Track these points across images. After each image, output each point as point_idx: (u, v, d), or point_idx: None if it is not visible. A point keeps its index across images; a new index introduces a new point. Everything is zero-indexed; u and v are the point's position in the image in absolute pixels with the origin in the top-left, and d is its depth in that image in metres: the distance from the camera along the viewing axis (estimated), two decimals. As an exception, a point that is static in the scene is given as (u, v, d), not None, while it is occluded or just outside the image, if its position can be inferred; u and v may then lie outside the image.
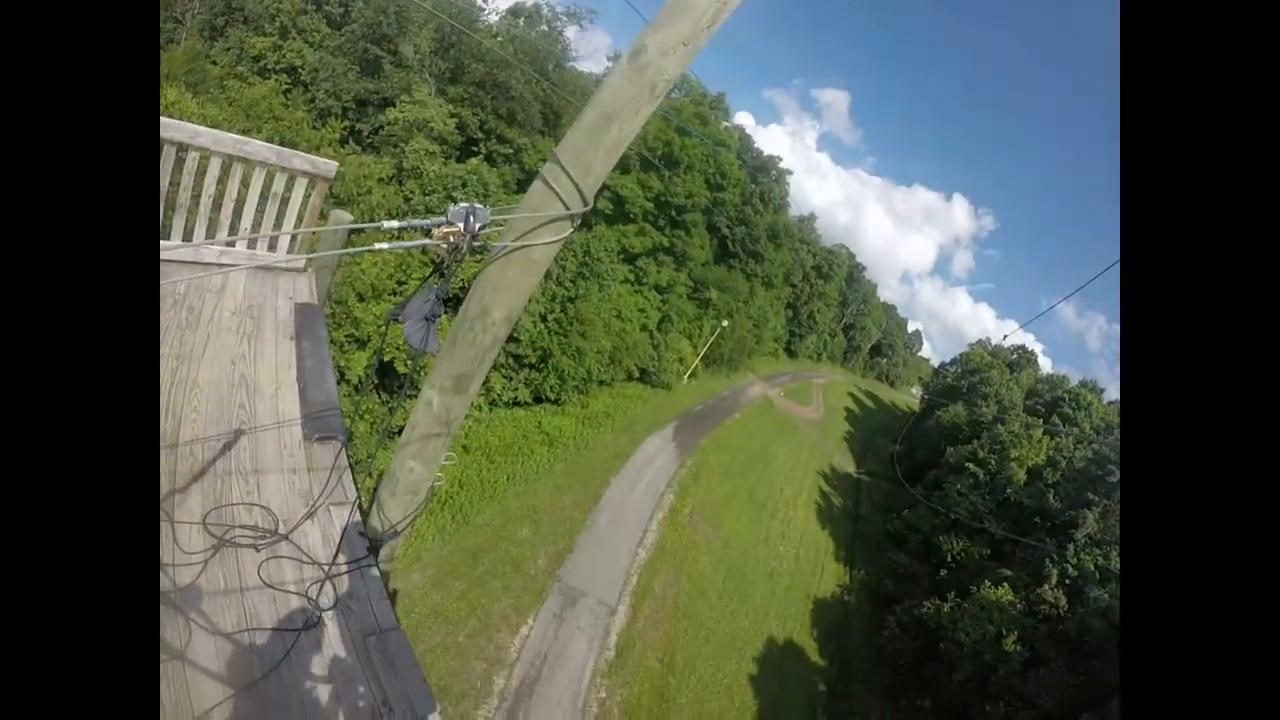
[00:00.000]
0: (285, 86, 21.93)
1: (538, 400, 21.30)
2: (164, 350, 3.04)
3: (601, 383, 22.17)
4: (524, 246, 1.91)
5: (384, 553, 2.41)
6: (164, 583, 1.88)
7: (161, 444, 2.43)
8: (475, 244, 1.81)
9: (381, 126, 21.44)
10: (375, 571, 2.31)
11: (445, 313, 2.05)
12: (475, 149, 22.98)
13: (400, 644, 2.13)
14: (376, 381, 15.37)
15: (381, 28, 22.24)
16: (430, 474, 2.31)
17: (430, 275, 2.18)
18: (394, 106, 20.59)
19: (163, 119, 3.07)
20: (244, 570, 2.18)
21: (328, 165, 3.87)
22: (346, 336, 15.51)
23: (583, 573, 16.42)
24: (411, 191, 18.28)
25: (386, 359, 15.27)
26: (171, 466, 2.45)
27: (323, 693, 1.94)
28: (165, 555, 2.04)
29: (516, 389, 19.91)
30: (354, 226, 3.49)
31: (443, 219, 1.83)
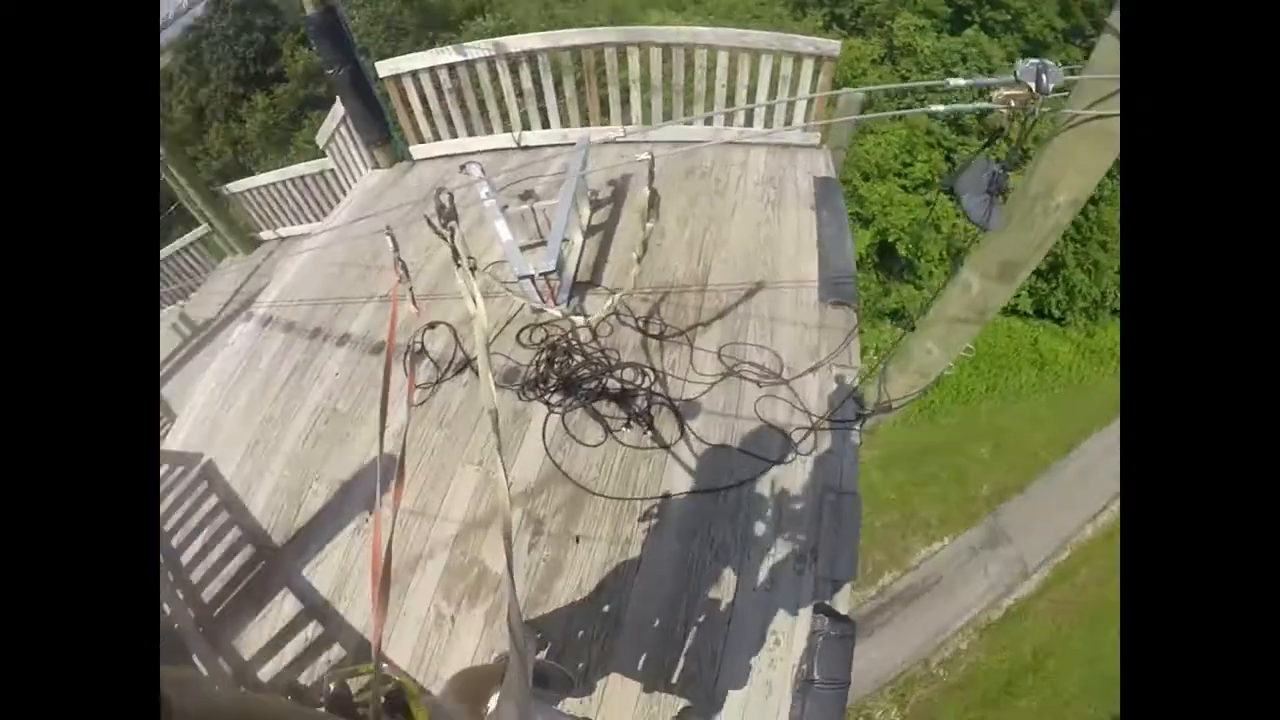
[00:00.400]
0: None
1: (1039, 314, 18.57)
2: (695, 211, 3.70)
3: (1115, 312, 17.85)
4: (1101, 116, 1.56)
5: (868, 423, 2.49)
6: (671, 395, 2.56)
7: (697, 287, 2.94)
8: (1043, 110, 1.54)
9: (861, 8, 19.75)
10: (855, 438, 2.45)
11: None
12: (968, 18, 19.52)
13: (851, 510, 2.31)
14: (876, 261, 15.34)
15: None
16: (946, 360, 2.33)
17: (987, 144, 1.95)
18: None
19: (665, 28, 3.62)
20: (743, 401, 2.58)
21: (830, 45, 4.07)
22: (852, 214, 15.78)
23: (1019, 520, 14.56)
24: (908, 70, 16.78)
25: (891, 240, 15.00)
26: (699, 304, 3.05)
27: (767, 521, 2.29)
28: (681, 372, 2.65)
29: (1018, 296, 17.61)
30: (895, 87, 3.44)
31: (1007, 78, 1.60)
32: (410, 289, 3.15)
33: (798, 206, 3.69)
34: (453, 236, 1.86)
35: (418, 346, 3.05)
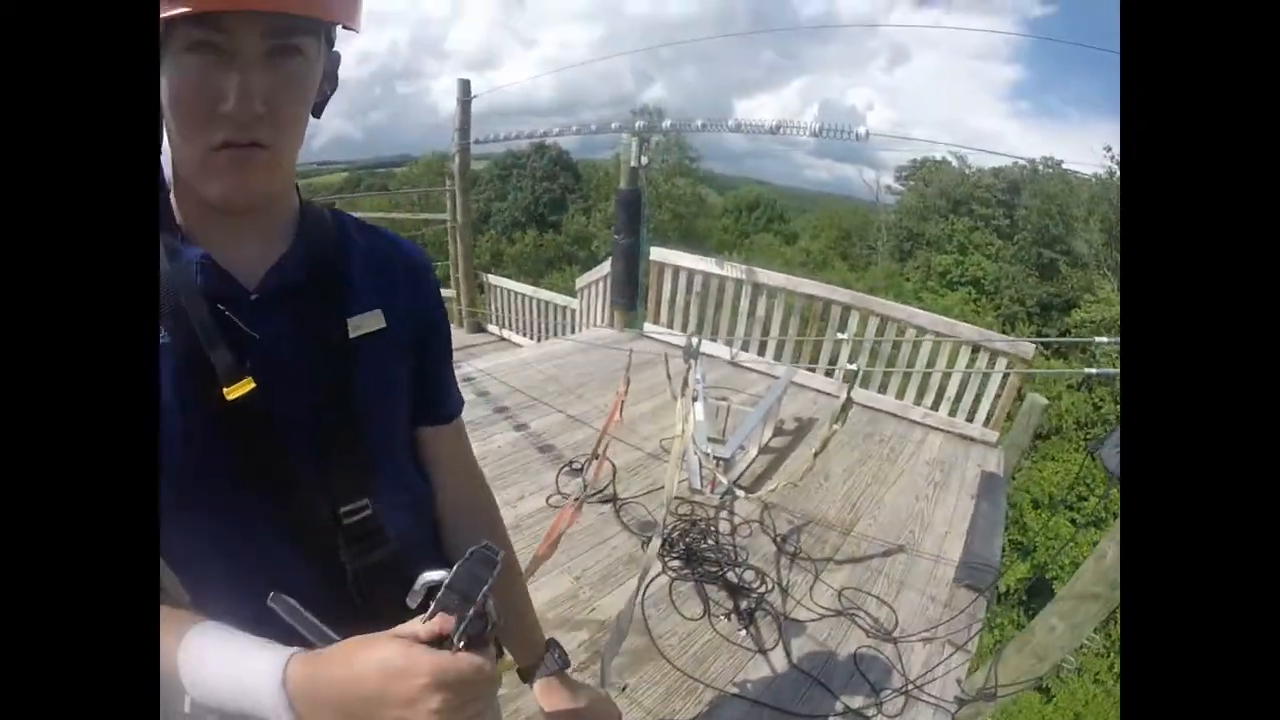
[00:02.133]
0: (973, 297, 24.38)
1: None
2: (863, 469, 4.00)
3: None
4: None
5: (966, 710, 2.40)
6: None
7: (842, 530, 3.19)
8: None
9: (1068, 330, 19.73)
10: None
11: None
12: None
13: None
14: (1024, 599, 13.53)
15: (1049, 230, 23.57)
16: (1070, 642, 2.23)
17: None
18: (1078, 308, 18.99)
19: (889, 302, 4.71)
20: (846, 645, 2.64)
21: (1025, 347, 4.65)
22: (1011, 542, 14.50)
23: None
24: (1101, 399, 15.98)
25: (1049, 576, 13.41)
26: (837, 544, 3.21)
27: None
28: (798, 594, 2.82)
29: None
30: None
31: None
32: (622, 404, 3.72)
33: (959, 493, 3.83)
34: (689, 370, 2.33)
35: (582, 461, 3.55)
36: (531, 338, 8.02)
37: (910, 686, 2.43)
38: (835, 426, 2.56)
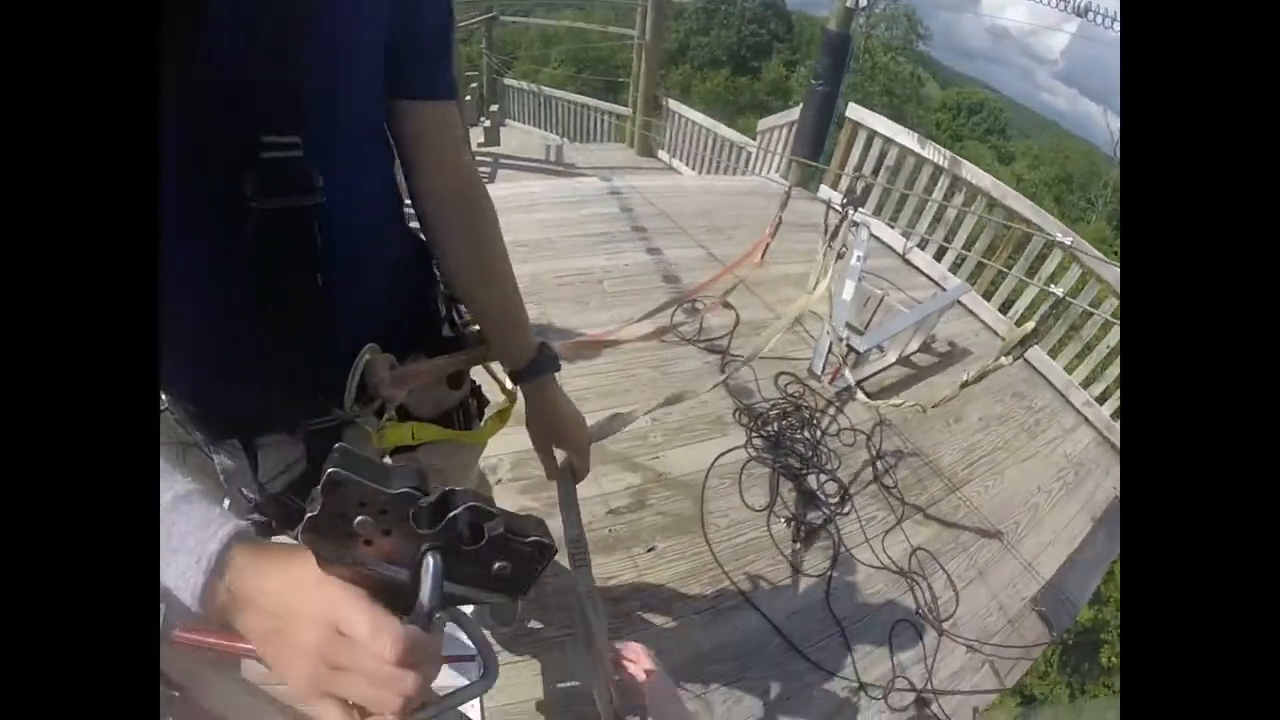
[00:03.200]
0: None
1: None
2: (999, 428, 3.44)
3: None
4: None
5: None
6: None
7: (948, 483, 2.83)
8: None
9: None
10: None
11: None
12: None
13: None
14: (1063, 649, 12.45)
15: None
16: None
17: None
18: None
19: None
20: (895, 605, 2.37)
21: None
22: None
23: None
24: None
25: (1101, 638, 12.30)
26: (934, 494, 2.83)
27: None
28: (871, 531, 2.54)
29: None
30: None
31: None
32: (767, 247, 3.36)
33: (1083, 508, 3.23)
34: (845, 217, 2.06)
35: (708, 305, 3.30)
36: (702, 172, 7.56)
37: (927, 690, 2.13)
38: (1004, 360, 2.07)
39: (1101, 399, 3.91)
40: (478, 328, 0.97)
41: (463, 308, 0.98)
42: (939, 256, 4.55)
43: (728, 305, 3.29)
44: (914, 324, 3.24)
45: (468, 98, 11.85)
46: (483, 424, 1.07)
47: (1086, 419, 3.87)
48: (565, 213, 4.33)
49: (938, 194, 4.44)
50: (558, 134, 10.91)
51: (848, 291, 2.95)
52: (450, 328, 0.98)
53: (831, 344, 2.84)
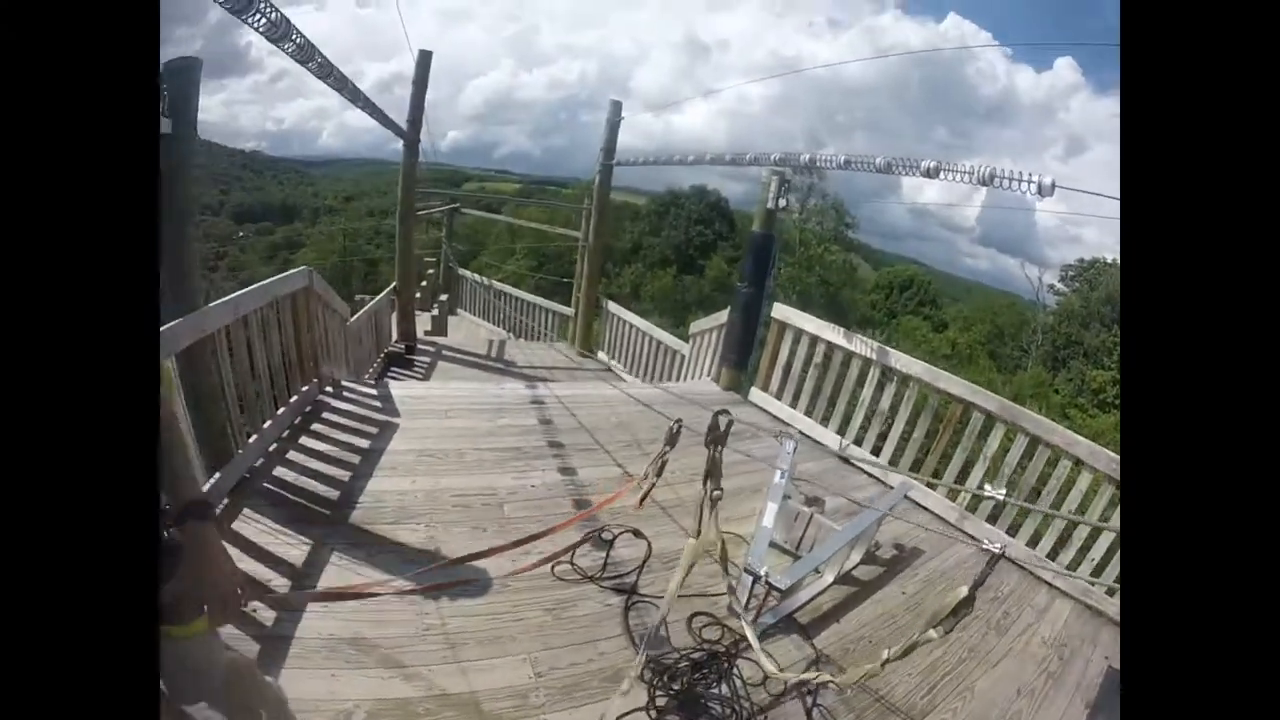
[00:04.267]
0: (1124, 422, 20.91)
1: None
2: (962, 634, 2.92)
3: None
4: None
5: None
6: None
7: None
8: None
9: None
10: None
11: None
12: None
13: None
14: None
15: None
16: None
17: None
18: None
19: (1044, 420, 3.72)
20: None
21: None
22: None
23: None
24: None
25: None
26: None
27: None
28: None
29: None
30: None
31: None
32: (651, 487, 3.06)
33: (1078, 688, 2.78)
34: (711, 457, 1.99)
35: (609, 536, 2.93)
36: (637, 374, 7.56)
37: None
38: (932, 633, 1.75)
39: (1074, 564, 3.58)
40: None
41: None
42: (878, 450, 4.37)
43: (638, 534, 2.94)
44: (853, 537, 2.93)
45: (423, 283, 12.21)
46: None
47: (1061, 591, 3.50)
48: (481, 421, 4.12)
49: (869, 388, 4.37)
50: (505, 329, 11.12)
51: (769, 516, 2.67)
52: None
53: (758, 579, 2.47)
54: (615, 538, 2.93)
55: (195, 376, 3.01)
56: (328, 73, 3.42)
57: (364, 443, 3.77)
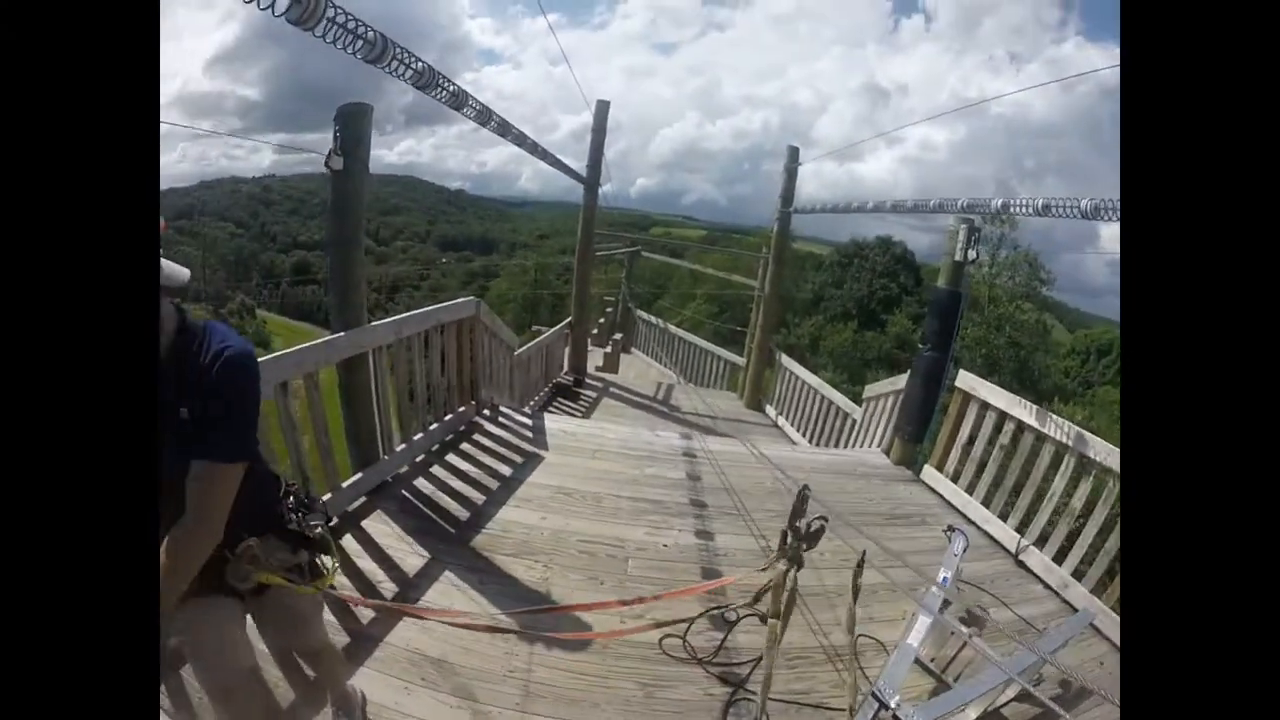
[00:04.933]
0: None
1: None
2: None
3: None
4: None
5: None
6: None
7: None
8: None
9: None
10: None
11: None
12: None
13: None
14: None
15: None
16: None
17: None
18: None
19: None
20: None
21: None
22: None
23: None
24: None
25: None
26: None
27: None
28: None
29: None
30: None
31: None
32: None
33: None
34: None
35: (732, 617, 2.62)
36: (804, 431, 7.11)
37: None
38: None
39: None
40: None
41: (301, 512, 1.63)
42: (1062, 556, 3.55)
43: (765, 621, 2.60)
44: (1017, 671, 2.33)
45: (601, 320, 12.67)
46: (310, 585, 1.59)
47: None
48: (627, 467, 4.01)
49: (1061, 479, 3.61)
50: (676, 372, 11.10)
51: (917, 631, 2.22)
52: (294, 523, 1.59)
53: (885, 708, 2.04)
54: (738, 620, 2.63)
55: (352, 383, 3.25)
56: (505, 130, 3.66)
57: (506, 470, 3.83)
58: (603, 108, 7.78)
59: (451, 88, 2.75)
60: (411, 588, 2.72)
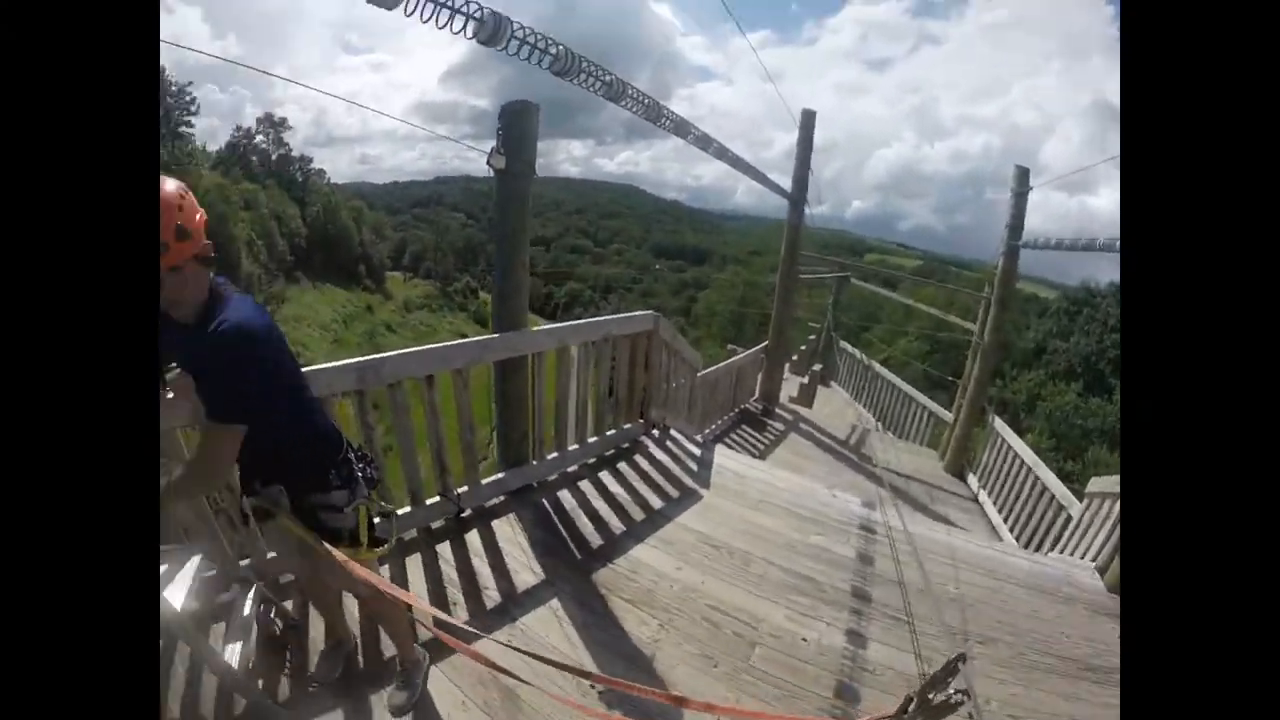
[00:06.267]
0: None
1: None
2: None
3: None
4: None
5: None
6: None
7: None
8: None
9: None
10: None
11: None
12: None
13: None
14: None
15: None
16: None
17: None
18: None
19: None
20: None
21: None
22: None
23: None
24: None
25: None
26: None
27: None
28: None
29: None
30: None
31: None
32: None
33: None
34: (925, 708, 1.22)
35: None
36: (1007, 515, 6.03)
37: None
38: None
39: None
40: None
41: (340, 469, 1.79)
42: None
43: None
44: None
45: (802, 347, 11.98)
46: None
47: None
48: (789, 528, 3.51)
49: None
50: (874, 415, 10.16)
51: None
52: (337, 485, 1.77)
53: None
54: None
55: (508, 384, 3.20)
56: (706, 145, 3.45)
57: (657, 502, 3.58)
58: (808, 118, 7.31)
59: (645, 100, 2.63)
60: (514, 604, 2.58)
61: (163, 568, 1.70)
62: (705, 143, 3.47)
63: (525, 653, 1.51)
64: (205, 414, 1.48)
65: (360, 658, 2.28)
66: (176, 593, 1.63)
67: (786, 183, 7.28)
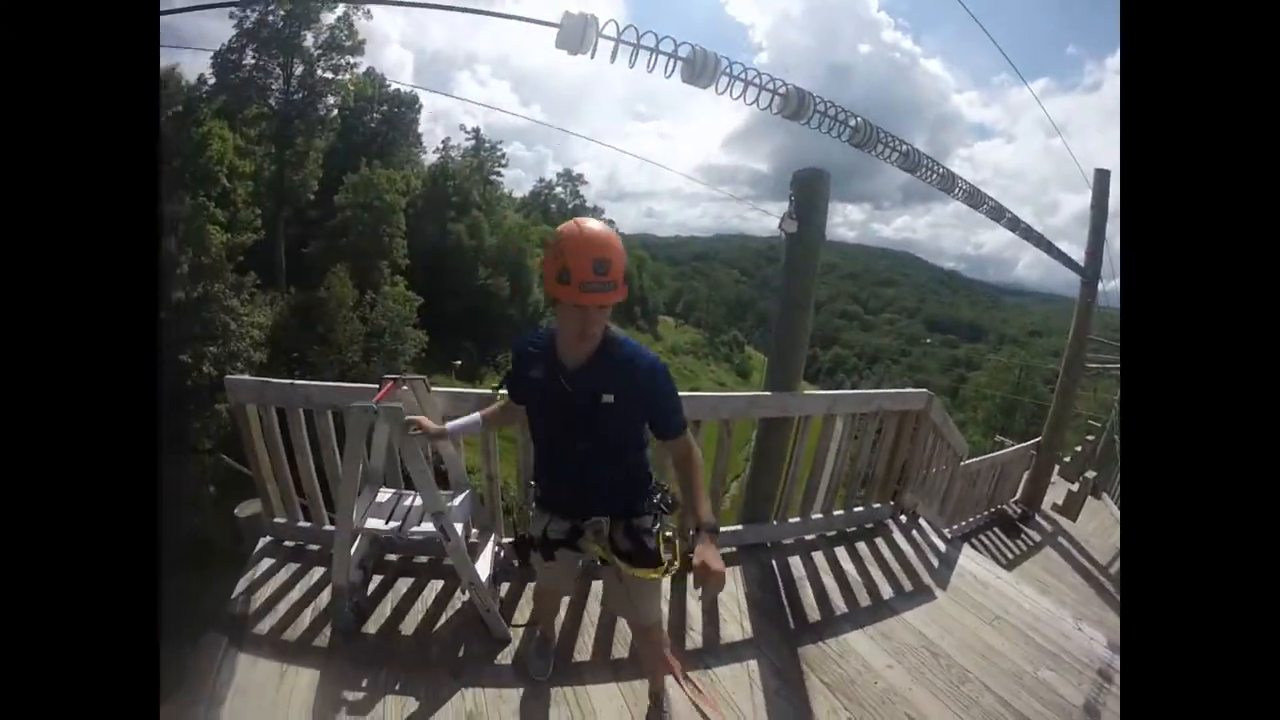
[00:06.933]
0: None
1: None
2: None
3: None
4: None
5: None
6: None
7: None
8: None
9: None
10: None
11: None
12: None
13: None
14: None
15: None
16: None
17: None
18: None
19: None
20: None
21: None
22: None
23: None
24: None
25: None
26: None
27: None
28: None
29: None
30: None
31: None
32: None
33: None
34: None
35: None
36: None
37: None
38: None
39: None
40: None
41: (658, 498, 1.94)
42: None
43: None
44: None
45: (1078, 448, 10.03)
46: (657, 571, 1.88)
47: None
48: (1020, 656, 2.92)
49: None
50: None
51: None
52: (648, 516, 1.94)
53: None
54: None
55: (768, 441, 3.33)
56: (1000, 215, 3.23)
57: (886, 590, 3.31)
58: (1102, 179, 6.34)
59: (939, 170, 2.59)
60: (712, 653, 2.61)
61: (453, 502, 2.34)
62: (998, 214, 3.27)
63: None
64: (671, 431, 1.84)
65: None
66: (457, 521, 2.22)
67: (1077, 254, 6.43)
